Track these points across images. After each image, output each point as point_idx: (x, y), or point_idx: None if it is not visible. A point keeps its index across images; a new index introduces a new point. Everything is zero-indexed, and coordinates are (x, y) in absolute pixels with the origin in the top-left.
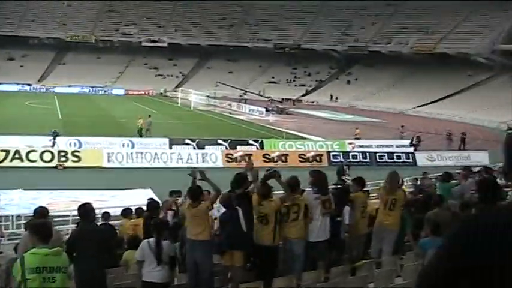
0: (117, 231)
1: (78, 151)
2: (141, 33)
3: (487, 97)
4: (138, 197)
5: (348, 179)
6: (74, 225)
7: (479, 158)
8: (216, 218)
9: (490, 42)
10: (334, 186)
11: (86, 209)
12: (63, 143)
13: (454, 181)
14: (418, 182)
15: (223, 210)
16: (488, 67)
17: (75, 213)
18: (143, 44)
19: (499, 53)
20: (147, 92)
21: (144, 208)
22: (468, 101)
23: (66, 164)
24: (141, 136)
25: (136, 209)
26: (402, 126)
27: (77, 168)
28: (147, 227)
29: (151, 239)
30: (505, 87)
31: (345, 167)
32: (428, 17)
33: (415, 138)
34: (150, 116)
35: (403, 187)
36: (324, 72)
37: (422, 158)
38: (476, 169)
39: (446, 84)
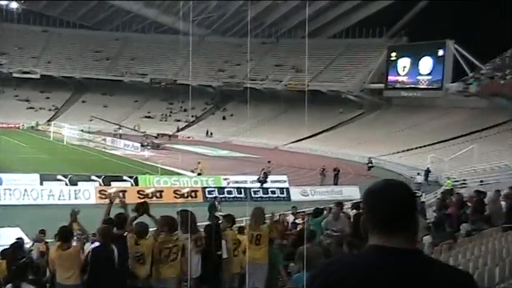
0: None
1: None
2: (12, 63)
3: (357, 133)
4: (6, 237)
5: (221, 215)
6: None
7: (350, 193)
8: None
9: (359, 81)
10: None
11: None
12: None
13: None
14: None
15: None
16: (358, 105)
17: None
18: (14, 75)
19: (368, 92)
20: (17, 125)
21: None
22: (340, 137)
23: None
24: None
25: (2, 251)
26: (269, 162)
27: None
28: (11, 269)
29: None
30: (373, 124)
31: (216, 203)
32: (301, 56)
33: (262, 174)
34: None
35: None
36: (199, 107)
37: (296, 193)
38: (348, 204)
39: (320, 121)
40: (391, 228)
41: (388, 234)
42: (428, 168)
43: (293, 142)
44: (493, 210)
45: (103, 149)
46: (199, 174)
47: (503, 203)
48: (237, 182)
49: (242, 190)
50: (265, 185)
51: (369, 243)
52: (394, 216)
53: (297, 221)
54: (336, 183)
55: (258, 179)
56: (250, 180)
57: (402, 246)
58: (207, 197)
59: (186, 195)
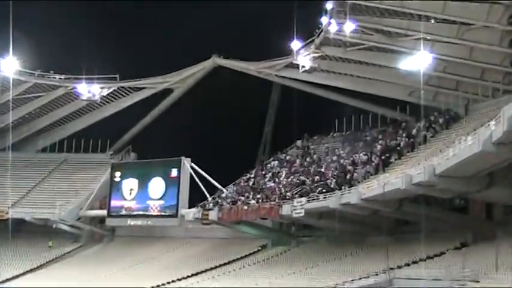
0: None
1: None
2: None
3: (73, 272)
4: None
5: None
6: None
7: None
8: None
9: (76, 207)
10: None
11: None
12: None
13: None
14: None
15: None
16: (74, 236)
17: None
18: None
19: (87, 220)
20: None
21: None
22: (51, 277)
23: None
24: None
25: None
26: None
27: None
28: None
29: None
30: (93, 260)
31: None
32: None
33: None
34: None
35: None
36: None
37: None
38: None
39: (23, 258)
40: None
41: None
42: None
43: None
44: None
45: None
46: None
47: None
48: None
49: None
50: None
51: None
52: None
53: None
54: None
55: None
56: None
57: None
58: None
59: None
